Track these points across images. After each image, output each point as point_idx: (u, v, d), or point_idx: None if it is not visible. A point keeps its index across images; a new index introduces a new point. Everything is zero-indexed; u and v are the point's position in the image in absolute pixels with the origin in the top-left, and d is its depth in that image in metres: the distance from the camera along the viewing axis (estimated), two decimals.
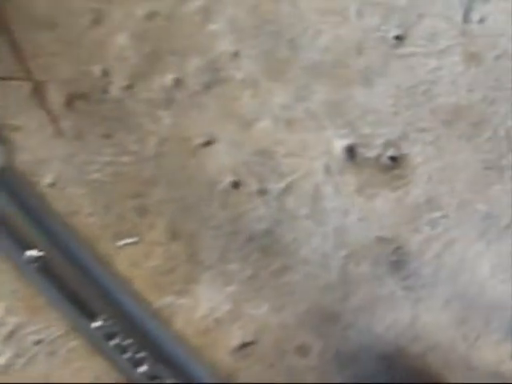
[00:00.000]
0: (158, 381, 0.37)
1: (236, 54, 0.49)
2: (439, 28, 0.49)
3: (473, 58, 0.48)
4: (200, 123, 0.48)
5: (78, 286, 0.37)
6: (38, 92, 0.50)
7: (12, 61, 0.50)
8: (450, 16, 0.49)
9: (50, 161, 0.48)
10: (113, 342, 0.36)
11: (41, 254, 0.36)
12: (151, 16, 0.50)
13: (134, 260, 0.47)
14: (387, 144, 0.48)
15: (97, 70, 0.49)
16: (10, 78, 0.50)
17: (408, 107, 0.48)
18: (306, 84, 0.48)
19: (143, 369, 0.37)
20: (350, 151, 0.48)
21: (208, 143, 0.48)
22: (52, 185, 0.48)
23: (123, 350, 0.36)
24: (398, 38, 0.49)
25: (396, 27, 0.49)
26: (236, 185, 0.48)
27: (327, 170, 0.48)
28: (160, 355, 0.37)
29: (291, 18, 0.49)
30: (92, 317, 0.37)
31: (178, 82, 0.49)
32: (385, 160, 0.48)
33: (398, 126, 0.48)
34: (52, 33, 0.50)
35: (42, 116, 0.50)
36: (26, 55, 0.50)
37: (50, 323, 0.46)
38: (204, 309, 0.47)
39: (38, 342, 0.46)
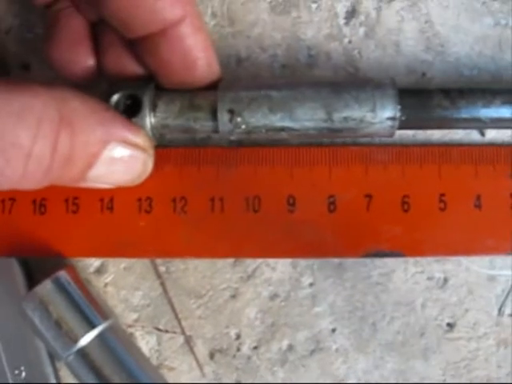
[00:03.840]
0: None
1: (333, 331, 0.68)
2: (480, 319, 0.68)
3: (503, 343, 0.67)
4: (306, 379, 0.68)
5: None
6: (188, 344, 0.69)
7: (170, 318, 0.69)
8: (489, 311, 0.67)
9: None
10: None
11: None
12: (273, 297, 0.69)
13: None
14: None
15: (232, 333, 0.69)
16: (167, 331, 0.70)
17: (453, 376, 0.67)
18: (381, 356, 0.68)
19: None
20: None
21: None
22: None
23: None
24: (449, 325, 0.68)
25: (449, 317, 0.68)
26: None
27: None
28: None
29: (374, 307, 0.68)
30: None
31: (291, 348, 0.68)
32: None
33: None
34: (200, 301, 0.69)
35: (191, 361, 0.69)
36: (180, 316, 0.69)
37: None
38: None
39: None
